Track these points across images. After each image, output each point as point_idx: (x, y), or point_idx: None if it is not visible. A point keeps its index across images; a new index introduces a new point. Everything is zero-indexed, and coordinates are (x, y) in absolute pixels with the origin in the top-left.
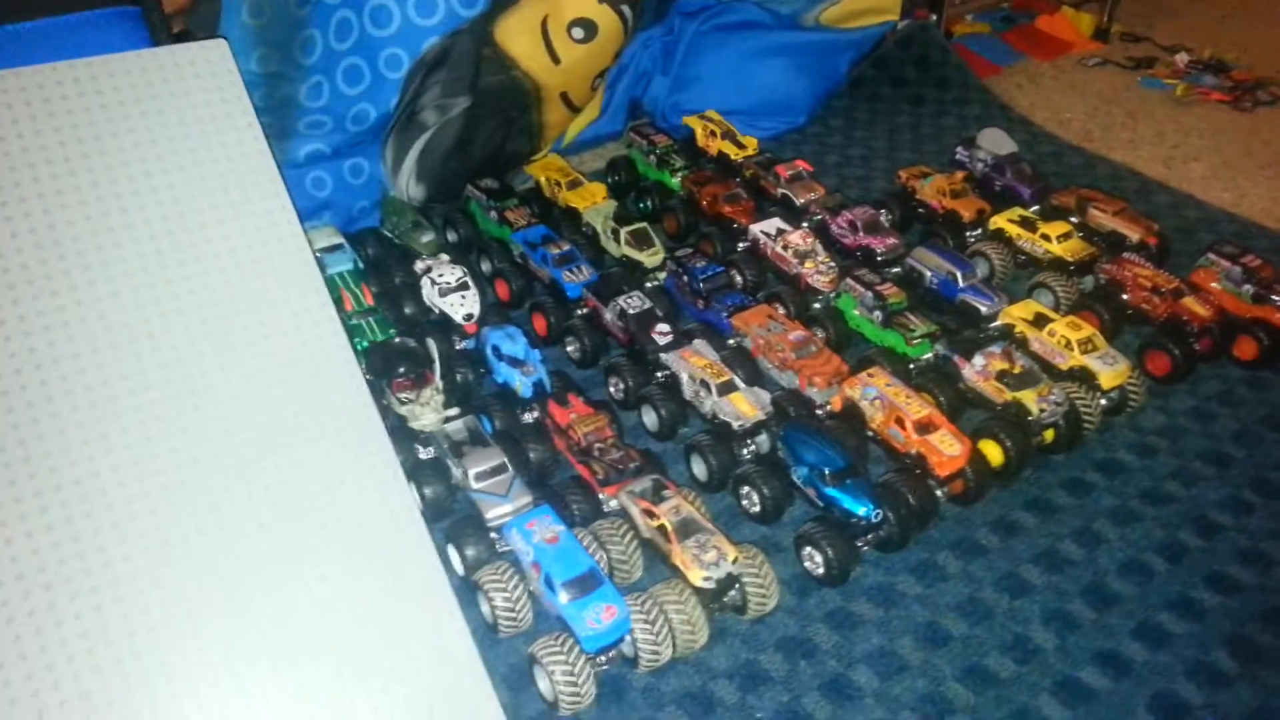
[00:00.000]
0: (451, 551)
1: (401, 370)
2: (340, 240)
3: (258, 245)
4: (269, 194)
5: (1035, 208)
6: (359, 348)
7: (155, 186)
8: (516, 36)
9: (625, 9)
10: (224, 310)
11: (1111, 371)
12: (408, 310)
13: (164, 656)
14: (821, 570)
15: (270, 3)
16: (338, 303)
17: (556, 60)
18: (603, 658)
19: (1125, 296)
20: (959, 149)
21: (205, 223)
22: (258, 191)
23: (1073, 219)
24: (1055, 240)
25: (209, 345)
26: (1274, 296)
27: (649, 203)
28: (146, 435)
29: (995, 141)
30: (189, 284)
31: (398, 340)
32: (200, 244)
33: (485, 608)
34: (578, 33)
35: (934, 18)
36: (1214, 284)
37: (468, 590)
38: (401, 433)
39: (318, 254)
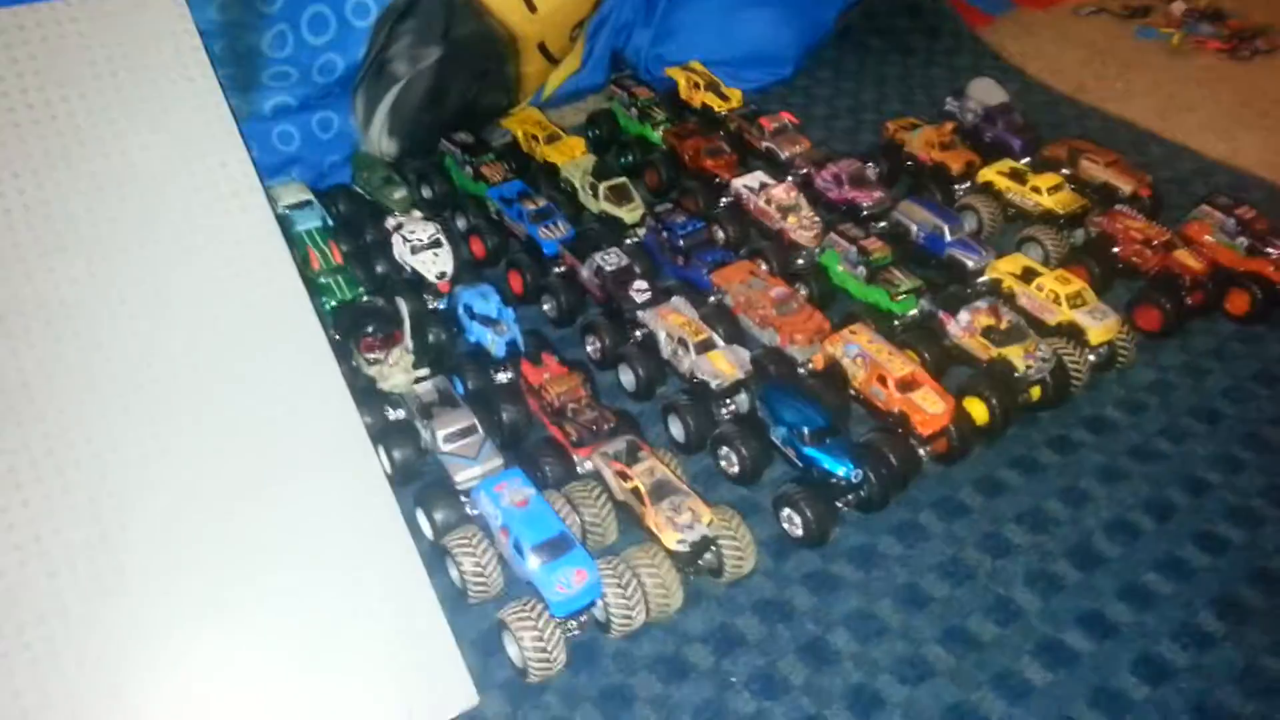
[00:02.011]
0: (420, 516)
1: (369, 329)
2: (308, 196)
3: (212, 199)
4: (224, 147)
5: (1026, 160)
6: (327, 307)
7: (102, 137)
8: None
9: None
10: (176, 266)
11: (1100, 326)
12: (379, 269)
13: (127, 628)
14: (800, 532)
15: None
16: (305, 260)
17: (533, 9)
18: (574, 623)
19: (1116, 250)
20: (949, 99)
21: (155, 174)
22: (212, 144)
23: (1064, 171)
24: (1045, 193)
25: (159, 302)
26: (1268, 249)
27: (630, 157)
28: (99, 399)
29: (986, 92)
30: (138, 238)
31: (366, 299)
32: (150, 195)
33: (454, 573)
34: None
35: None
36: (1207, 236)
37: (437, 555)
38: (370, 394)
39: (285, 210)
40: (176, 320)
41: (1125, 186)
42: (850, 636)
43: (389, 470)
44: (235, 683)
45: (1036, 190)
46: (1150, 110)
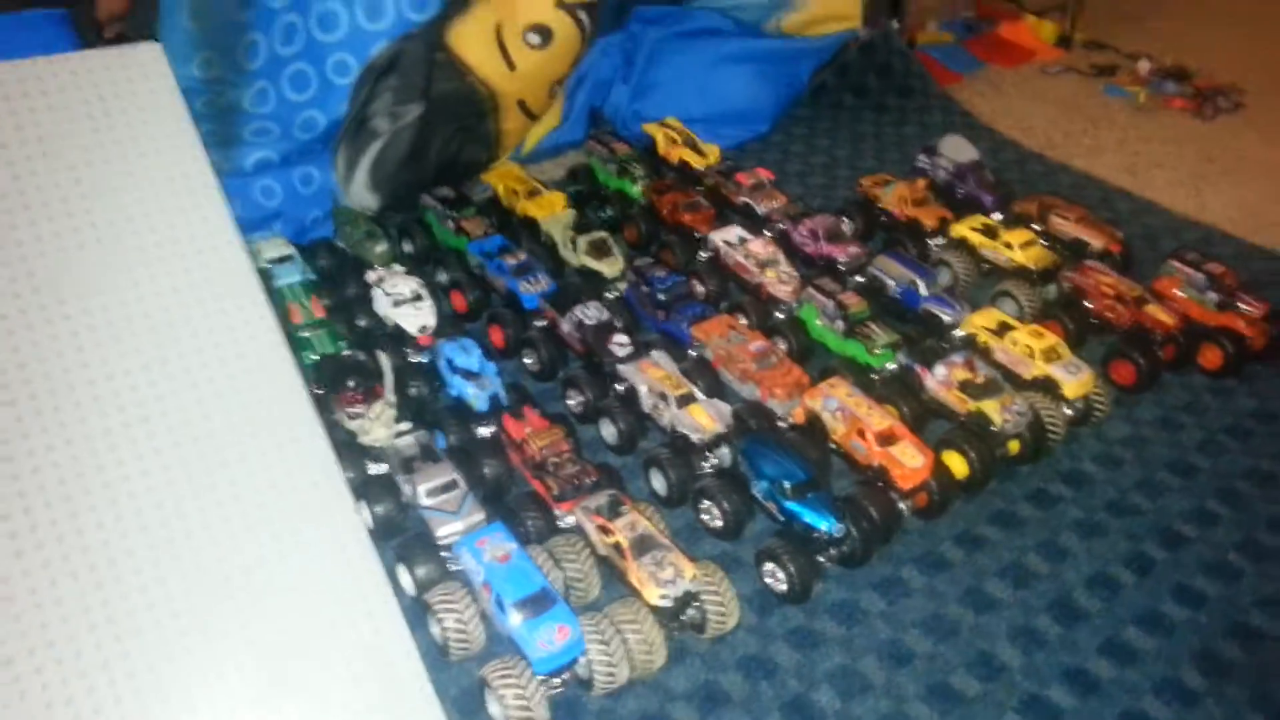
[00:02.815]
0: (402, 571)
1: (350, 384)
2: (290, 251)
3: (192, 254)
4: (204, 201)
5: (998, 215)
6: (307, 361)
7: (84, 194)
8: (470, 42)
9: (582, 15)
10: (155, 321)
11: (1075, 381)
12: (361, 323)
13: (103, 679)
14: (783, 587)
15: (212, 6)
16: (286, 315)
17: (512, 67)
18: (556, 680)
19: (1089, 304)
20: (921, 156)
21: (137, 230)
22: (192, 199)
23: (1035, 226)
24: (1018, 248)
25: (139, 359)
26: (1238, 304)
27: (609, 212)
28: (73, 454)
29: (957, 149)
30: (119, 295)
31: (347, 353)
32: (132, 253)
33: (436, 629)
34: (534, 39)
35: (895, 26)
36: (1177, 291)
37: (418, 611)
38: (351, 448)
39: (267, 265)
40: (154, 374)
41: (1095, 241)
42: (833, 694)
43: (370, 525)
44: None
45: (1009, 246)
46: (1118, 167)
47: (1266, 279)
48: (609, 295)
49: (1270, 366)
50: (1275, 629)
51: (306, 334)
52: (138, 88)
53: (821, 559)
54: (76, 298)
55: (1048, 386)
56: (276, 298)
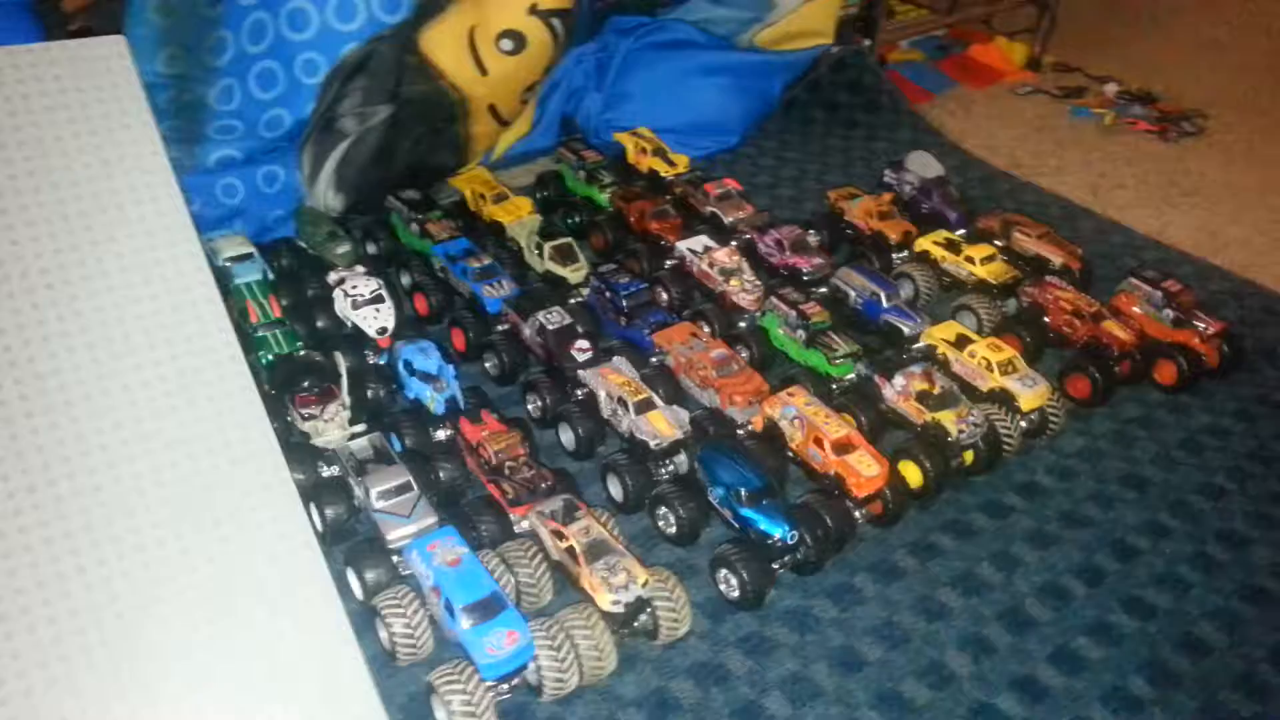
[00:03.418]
0: (350, 575)
1: (305, 385)
2: (250, 249)
3: (145, 249)
4: (161, 196)
5: (961, 231)
6: (263, 361)
7: (38, 187)
8: (442, 46)
9: (555, 22)
10: (105, 316)
11: (1031, 393)
12: (320, 323)
13: (41, 687)
14: (736, 593)
15: (180, 1)
16: (243, 313)
17: (484, 71)
18: (504, 686)
19: (1047, 319)
20: (887, 171)
21: (90, 225)
22: (149, 194)
23: (997, 242)
24: (979, 263)
25: (89, 353)
26: (1194, 321)
27: (577, 218)
28: (17, 449)
29: (923, 165)
30: (68, 288)
31: (303, 354)
32: (83, 246)
33: (384, 634)
34: (506, 44)
35: (868, 44)
36: (1135, 308)
37: (366, 616)
38: (304, 450)
39: (225, 263)
40: (101, 370)
41: (1056, 258)
42: (784, 700)
43: (320, 528)
44: None
45: (970, 260)
46: (1082, 186)
47: (1224, 298)
48: (572, 301)
49: (1223, 383)
50: (1223, 641)
51: (263, 333)
52: (99, 81)
53: (775, 566)
54: (25, 291)
55: (1004, 399)
56: (234, 296)
